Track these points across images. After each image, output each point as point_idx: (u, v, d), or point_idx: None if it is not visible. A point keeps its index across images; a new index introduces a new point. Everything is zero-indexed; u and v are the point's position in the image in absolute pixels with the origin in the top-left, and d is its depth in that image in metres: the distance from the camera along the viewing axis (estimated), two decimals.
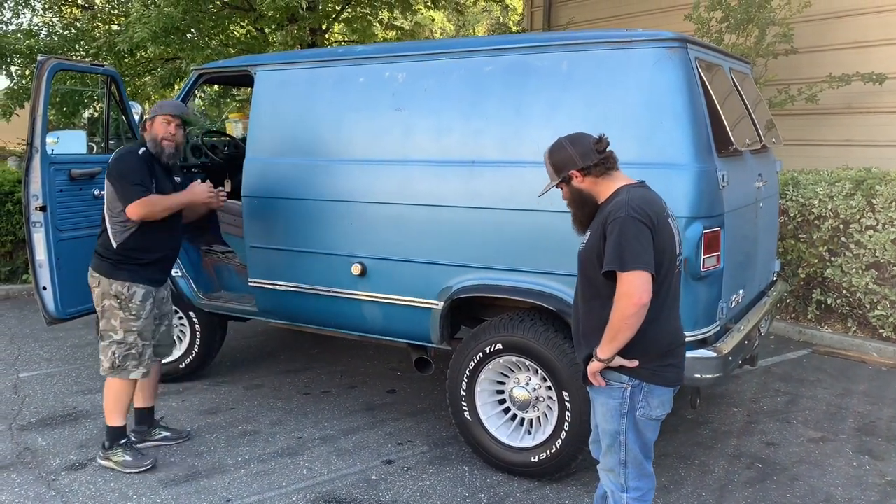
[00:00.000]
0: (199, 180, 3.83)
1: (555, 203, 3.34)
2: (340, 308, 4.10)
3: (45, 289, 4.28)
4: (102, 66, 4.74)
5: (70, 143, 4.53)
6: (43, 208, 4.19)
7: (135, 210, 3.53)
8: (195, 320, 4.87)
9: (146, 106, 10.78)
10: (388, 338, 4.08)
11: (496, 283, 3.58)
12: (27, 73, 9.19)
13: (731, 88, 3.86)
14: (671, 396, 2.55)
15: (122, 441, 3.80)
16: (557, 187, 2.56)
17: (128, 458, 3.77)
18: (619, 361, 2.41)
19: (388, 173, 3.84)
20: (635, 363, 2.42)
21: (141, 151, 3.66)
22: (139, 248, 3.66)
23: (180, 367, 4.95)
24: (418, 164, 3.76)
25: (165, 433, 4.10)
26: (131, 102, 4.74)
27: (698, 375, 3.21)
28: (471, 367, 3.67)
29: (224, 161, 5.30)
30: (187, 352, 4.93)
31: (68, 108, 9.58)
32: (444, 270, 3.72)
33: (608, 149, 2.47)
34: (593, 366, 2.44)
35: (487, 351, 3.61)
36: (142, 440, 4.01)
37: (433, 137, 3.73)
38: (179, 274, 4.72)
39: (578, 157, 2.44)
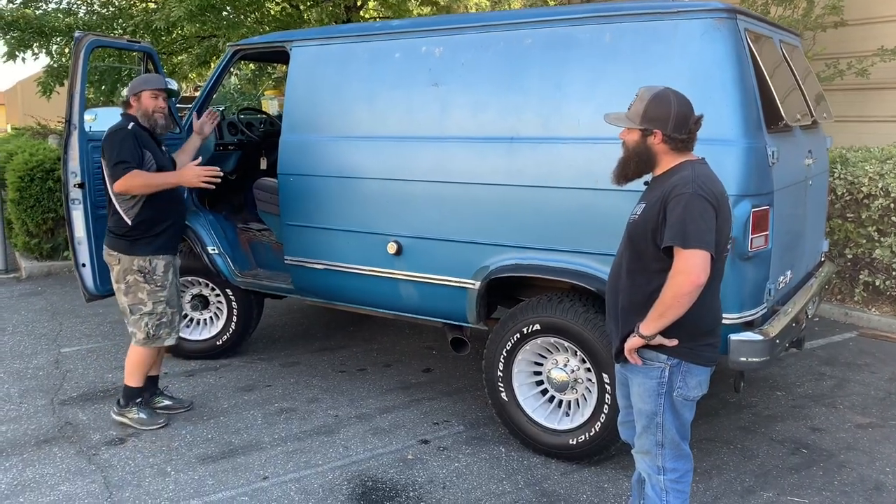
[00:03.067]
0: (196, 162, 3.84)
1: (598, 181, 3.27)
2: (376, 287, 4.07)
3: (84, 266, 4.32)
4: (139, 42, 4.74)
5: (108, 119, 4.50)
6: (81, 185, 4.21)
7: (120, 185, 3.59)
8: (232, 297, 4.88)
9: (184, 84, 10.85)
10: (423, 317, 4.04)
11: (534, 263, 3.50)
12: (66, 50, 9.28)
13: (780, 61, 3.71)
14: (708, 376, 2.47)
15: (138, 400, 3.97)
16: (626, 129, 2.44)
17: (143, 416, 3.94)
18: (659, 340, 2.34)
19: (425, 150, 3.78)
20: (675, 342, 2.34)
21: (130, 126, 3.69)
22: (151, 219, 3.75)
23: (217, 343, 4.98)
24: (455, 140, 3.68)
25: (167, 402, 4.18)
26: (168, 80, 4.72)
27: (744, 359, 3.11)
28: (508, 348, 3.61)
29: (260, 138, 5.28)
30: (224, 329, 4.96)
31: (106, 87, 9.68)
32: (480, 250, 3.65)
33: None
34: (633, 342, 2.36)
35: (525, 332, 3.55)
36: (146, 406, 4.07)
37: (471, 113, 3.65)
38: (216, 251, 4.72)
39: (673, 122, 2.33)
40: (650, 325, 2.30)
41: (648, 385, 2.40)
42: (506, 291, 3.91)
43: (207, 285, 4.93)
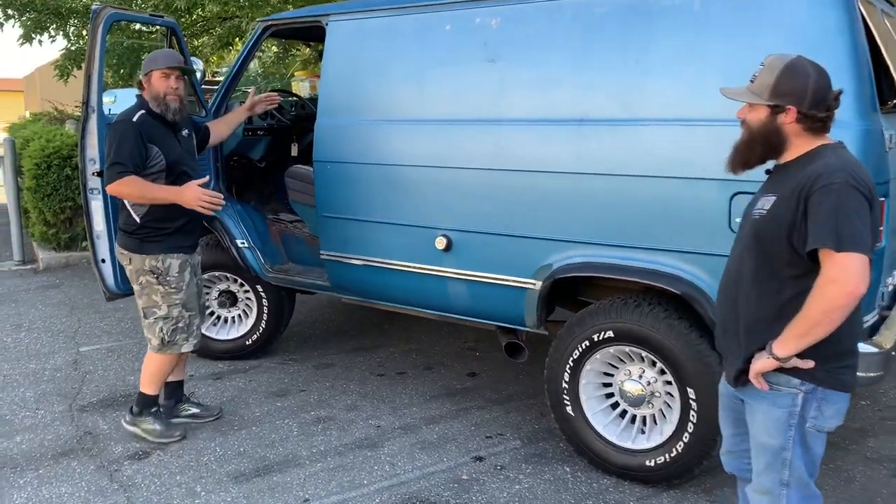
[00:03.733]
0: (200, 180, 3.35)
1: (686, 168, 2.87)
2: (422, 285, 3.69)
3: (103, 261, 3.96)
4: (161, 16, 4.37)
5: (128, 102, 4.17)
6: (101, 174, 3.85)
7: (111, 190, 3.25)
8: (262, 294, 4.52)
9: (209, 68, 10.48)
10: (474, 319, 3.66)
11: (607, 262, 3.10)
12: (84, 32, 8.94)
13: (888, 32, 3.27)
14: (847, 404, 2.07)
15: (153, 409, 3.60)
16: (748, 105, 2.03)
17: (157, 426, 3.57)
18: (794, 362, 1.94)
19: (480, 135, 3.38)
20: (811, 364, 1.95)
21: (136, 117, 3.27)
22: (162, 217, 3.36)
23: (247, 343, 4.62)
24: (515, 123, 3.28)
25: (194, 409, 3.82)
26: (192, 58, 4.36)
27: (860, 374, 2.70)
28: (574, 357, 3.22)
29: (291, 122, 4.90)
30: (254, 327, 4.60)
31: (125, 70, 9.32)
32: (543, 246, 3.26)
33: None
34: (764, 364, 1.96)
35: (595, 339, 3.15)
36: (170, 416, 3.74)
37: (533, 93, 3.25)
38: (245, 245, 4.36)
39: (811, 98, 1.93)
40: (788, 344, 1.90)
41: (776, 415, 2.01)
42: (567, 291, 3.52)
43: (236, 281, 4.57)
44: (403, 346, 4.96)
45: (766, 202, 1.99)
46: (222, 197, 3.37)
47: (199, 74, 4.32)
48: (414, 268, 3.66)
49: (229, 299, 4.62)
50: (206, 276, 4.52)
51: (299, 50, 9.41)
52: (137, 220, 3.34)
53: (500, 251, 3.39)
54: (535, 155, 3.24)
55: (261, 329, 4.59)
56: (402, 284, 3.77)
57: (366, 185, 3.74)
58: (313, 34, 4.59)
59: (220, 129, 3.93)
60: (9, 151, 7.47)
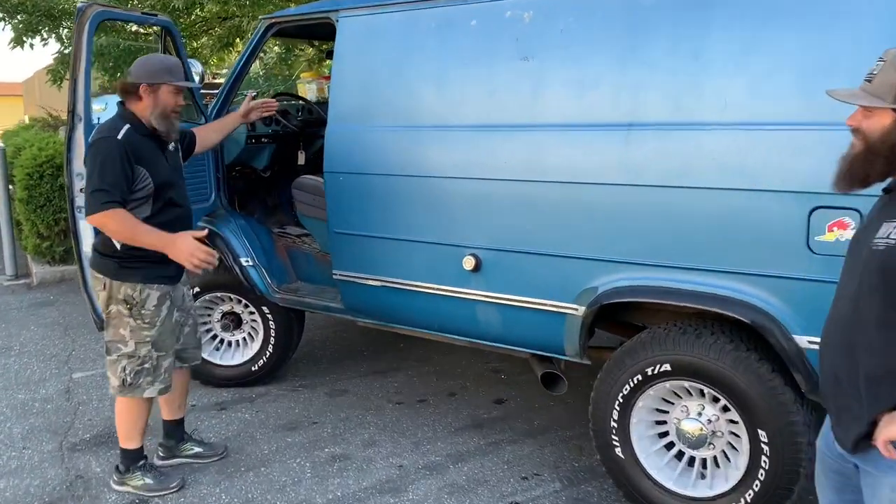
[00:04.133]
0: (198, 233, 2.94)
1: (753, 179, 2.50)
2: (447, 309, 3.33)
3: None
4: (155, 15, 4.00)
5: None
6: None
7: (93, 221, 2.83)
8: (269, 316, 4.16)
9: (209, 69, 10.08)
10: (505, 346, 3.30)
11: (661, 286, 2.73)
12: None
13: None
14: None
15: (141, 463, 3.19)
16: (864, 109, 1.66)
17: (149, 480, 3.17)
18: None
19: (512, 142, 3.01)
20: None
21: (122, 134, 2.83)
22: None
23: (253, 369, 4.26)
24: (553, 129, 2.92)
25: (197, 448, 3.45)
26: (191, 60, 3.99)
27: None
28: (625, 393, 2.86)
29: (297, 128, 4.53)
30: (260, 352, 4.24)
31: (107, 65, 8.67)
32: (586, 266, 2.89)
33: None
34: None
35: (649, 373, 2.79)
36: (170, 456, 3.39)
37: (573, 94, 2.88)
38: (250, 263, 3.99)
39: None
40: None
41: None
42: (609, 313, 3.15)
43: (240, 302, 4.21)
44: (422, 369, 4.59)
45: (890, 229, 1.62)
46: (216, 255, 2.95)
47: (197, 78, 3.96)
48: (438, 290, 3.30)
49: (233, 322, 4.26)
50: (207, 296, 4.17)
51: (303, 50, 9.04)
52: (117, 244, 2.93)
53: (536, 272, 3.02)
54: (575, 164, 2.87)
55: (268, 353, 4.22)
56: (424, 308, 3.40)
57: (383, 199, 3.38)
58: (321, 32, 4.22)
59: (210, 136, 3.52)
60: None
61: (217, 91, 4.26)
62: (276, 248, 4.21)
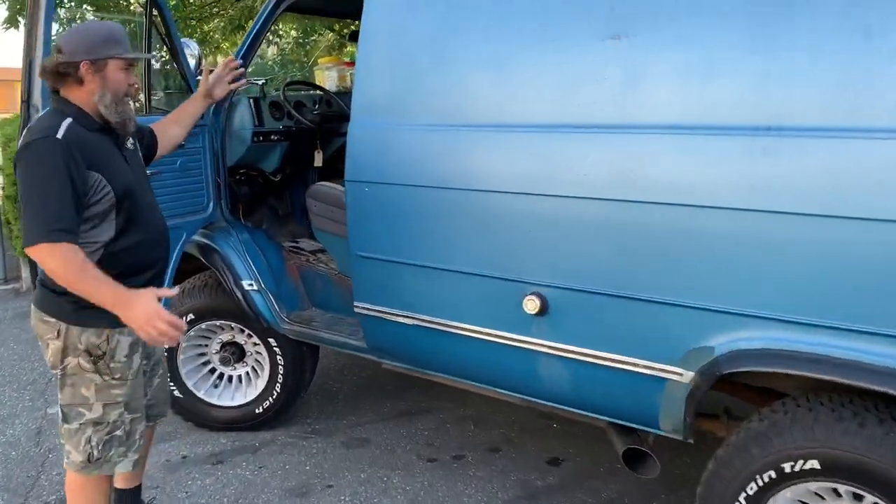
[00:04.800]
0: (164, 291, 2.22)
1: None
2: (499, 360, 2.60)
3: None
4: None
5: None
6: None
7: (34, 254, 2.08)
8: (276, 349, 3.45)
9: (216, 58, 9.27)
10: (577, 411, 2.57)
11: (812, 352, 1.97)
12: (78, 17, 7.86)
13: None
14: None
15: None
16: None
17: None
18: None
19: (596, 148, 2.27)
20: None
21: (62, 133, 2.09)
22: (118, 274, 2.15)
23: (256, 411, 3.56)
24: (654, 131, 2.16)
25: None
26: (185, 40, 3.28)
27: None
28: (749, 494, 2.11)
29: (314, 123, 3.79)
30: (266, 391, 3.53)
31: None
32: (697, 318, 2.14)
33: None
34: None
35: (788, 470, 2.04)
36: None
37: (685, 85, 2.13)
38: (254, 287, 3.28)
39: None
40: None
41: None
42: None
43: (242, 331, 3.51)
44: (457, 412, 3.86)
45: None
46: (184, 327, 2.21)
47: (193, 62, 3.24)
48: (489, 335, 2.57)
49: (234, 354, 3.55)
50: (203, 325, 3.47)
51: (322, 35, 8.31)
52: None
53: (623, 322, 2.28)
54: (686, 180, 2.12)
55: (275, 393, 3.52)
56: (469, 356, 2.68)
57: (421, 217, 2.64)
58: (343, 7, 3.49)
59: (171, 130, 2.75)
60: None
61: None
62: (286, 267, 3.50)
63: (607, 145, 2.24)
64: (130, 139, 2.38)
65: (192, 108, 2.88)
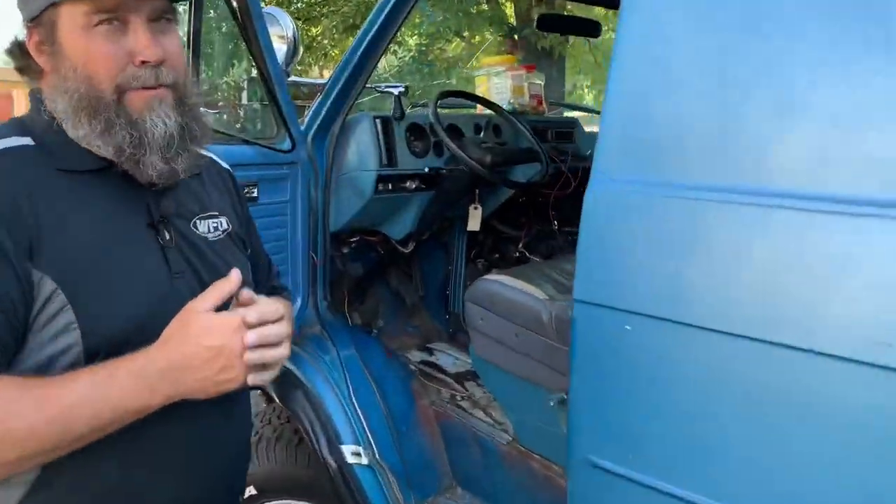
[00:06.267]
0: (210, 296, 0.92)
1: None
2: None
3: None
4: None
5: None
6: None
7: None
8: None
9: (323, 71, 7.92)
10: None
11: None
12: None
13: None
14: None
15: None
16: None
17: None
18: None
19: None
20: None
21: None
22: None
23: None
24: None
25: None
26: (269, 8, 1.90)
27: None
28: None
29: (485, 166, 2.22)
30: None
31: None
32: None
33: None
34: None
35: None
36: None
37: None
38: (362, 459, 1.82)
39: None
40: None
41: None
42: None
43: None
44: None
45: None
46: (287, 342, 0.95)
47: (283, 46, 1.85)
48: None
49: None
50: None
51: (449, 41, 6.92)
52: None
53: None
54: None
55: None
56: None
57: (728, 381, 1.12)
58: None
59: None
60: None
61: (324, 83, 2.07)
62: (416, 412, 2.03)
63: None
64: (209, 209, 1.07)
65: None
